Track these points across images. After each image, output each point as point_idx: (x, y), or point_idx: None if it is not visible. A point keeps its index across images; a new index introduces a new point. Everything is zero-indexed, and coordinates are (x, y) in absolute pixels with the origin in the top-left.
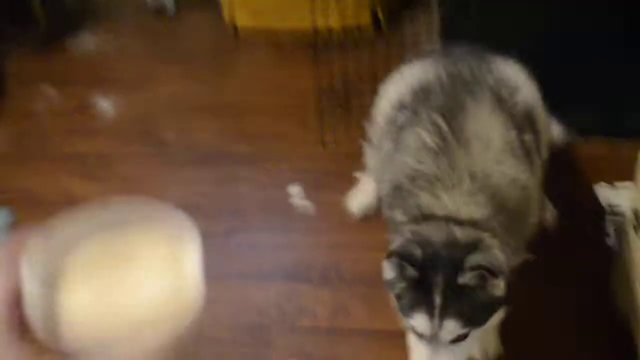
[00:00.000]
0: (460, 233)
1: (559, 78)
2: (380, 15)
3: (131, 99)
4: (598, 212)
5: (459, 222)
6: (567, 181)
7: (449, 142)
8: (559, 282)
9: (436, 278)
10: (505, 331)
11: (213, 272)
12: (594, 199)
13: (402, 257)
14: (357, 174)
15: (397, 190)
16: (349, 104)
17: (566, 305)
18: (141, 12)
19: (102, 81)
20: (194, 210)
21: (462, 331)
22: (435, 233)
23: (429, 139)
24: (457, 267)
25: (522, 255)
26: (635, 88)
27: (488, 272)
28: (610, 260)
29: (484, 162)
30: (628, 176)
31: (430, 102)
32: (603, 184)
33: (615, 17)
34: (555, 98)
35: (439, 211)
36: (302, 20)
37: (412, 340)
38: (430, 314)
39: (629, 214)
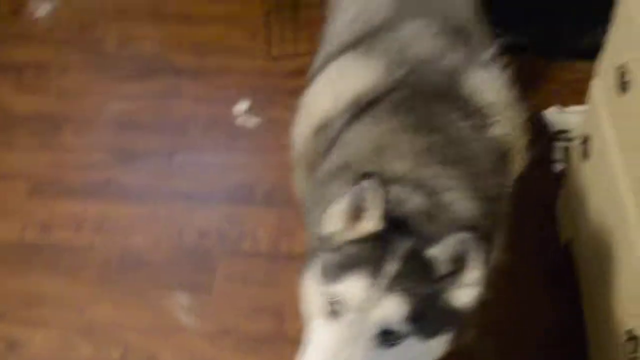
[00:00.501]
0: (444, 206)
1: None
2: None
3: (69, 1)
4: (547, 137)
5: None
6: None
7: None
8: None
9: (399, 241)
10: None
11: (155, 192)
12: (543, 124)
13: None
14: None
15: (343, 169)
16: (298, 15)
17: (514, 231)
18: None
19: None
20: (136, 126)
21: (399, 324)
22: (410, 198)
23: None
24: (431, 238)
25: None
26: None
27: (471, 249)
28: (557, 187)
29: (478, 166)
30: (579, 100)
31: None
32: (553, 108)
33: None
34: (510, 15)
35: (418, 176)
36: None
37: (313, 328)
38: (373, 278)
39: (577, 140)
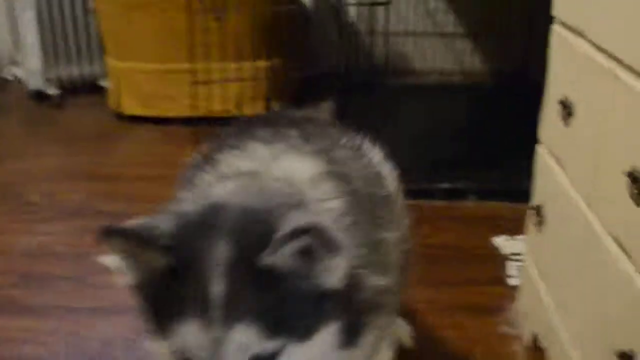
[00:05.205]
0: (273, 187)
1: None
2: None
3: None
4: (500, 259)
5: (273, 177)
6: (471, 235)
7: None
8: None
9: (212, 257)
10: None
11: (60, 309)
12: (495, 249)
13: (129, 234)
14: None
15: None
16: None
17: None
18: (23, 97)
19: None
20: (50, 255)
21: (264, 345)
22: (231, 189)
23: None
24: (260, 237)
25: (390, 275)
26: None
27: (319, 239)
28: (514, 295)
29: (325, 140)
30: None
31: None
32: (504, 236)
33: None
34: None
35: (246, 165)
36: (187, 108)
37: None
38: (206, 319)
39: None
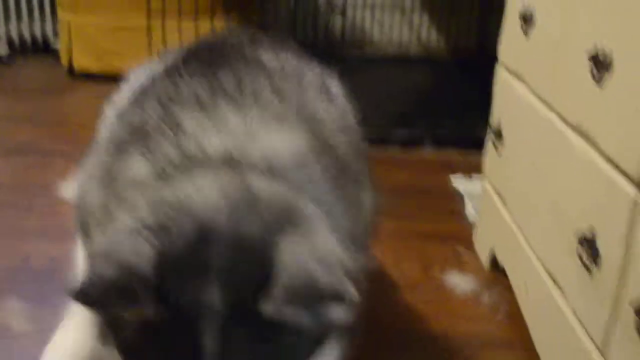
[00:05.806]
0: (259, 189)
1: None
2: None
3: None
4: (458, 195)
5: (252, 165)
6: (429, 176)
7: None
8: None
9: (205, 307)
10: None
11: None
12: (453, 187)
13: (106, 289)
14: None
15: (138, 131)
16: None
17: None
18: None
19: None
20: None
21: None
22: (204, 195)
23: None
24: (255, 280)
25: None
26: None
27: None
28: (472, 225)
29: (295, 89)
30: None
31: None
32: (460, 175)
33: None
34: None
35: (216, 144)
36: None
37: None
38: None
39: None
